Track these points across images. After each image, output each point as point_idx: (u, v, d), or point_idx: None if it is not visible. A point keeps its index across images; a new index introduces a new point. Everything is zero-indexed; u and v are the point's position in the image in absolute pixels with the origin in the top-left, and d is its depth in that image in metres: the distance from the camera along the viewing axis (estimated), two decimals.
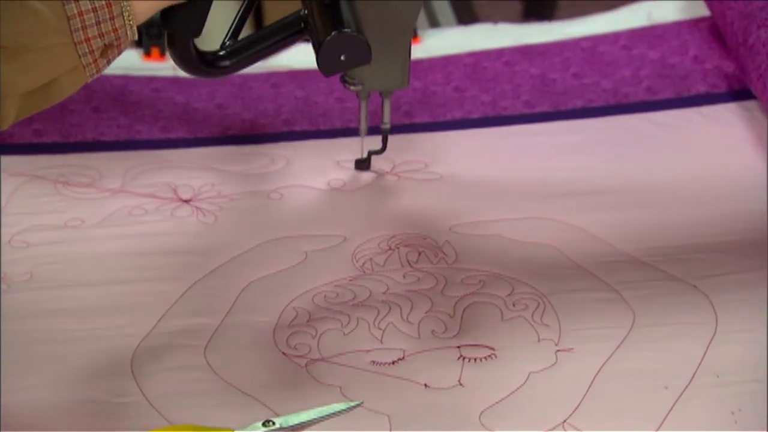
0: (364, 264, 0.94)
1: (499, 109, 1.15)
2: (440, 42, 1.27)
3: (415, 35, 1.27)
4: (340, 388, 0.81)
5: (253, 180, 1.06)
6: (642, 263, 0.92)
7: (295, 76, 1.21)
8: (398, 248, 0.95)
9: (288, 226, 0.99)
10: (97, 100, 1.17)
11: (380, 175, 1.06)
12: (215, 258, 0.95)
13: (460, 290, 0.90)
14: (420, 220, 0.99)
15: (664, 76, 1.17)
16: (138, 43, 1.29)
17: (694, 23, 1.24)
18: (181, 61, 0.87)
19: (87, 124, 1.14)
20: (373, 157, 1.06)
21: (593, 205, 0.99)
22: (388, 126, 1.02)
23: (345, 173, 1.06)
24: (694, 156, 1.05)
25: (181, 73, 1.20)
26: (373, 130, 1.04)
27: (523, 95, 1.17)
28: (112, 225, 1.00)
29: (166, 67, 1.22)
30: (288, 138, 1.13)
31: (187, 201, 1.03)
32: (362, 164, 1.06)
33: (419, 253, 0.95)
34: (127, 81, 1.21)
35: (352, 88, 0.98)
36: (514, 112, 1.15)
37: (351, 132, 1.11)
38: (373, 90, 0.99)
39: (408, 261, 0.94)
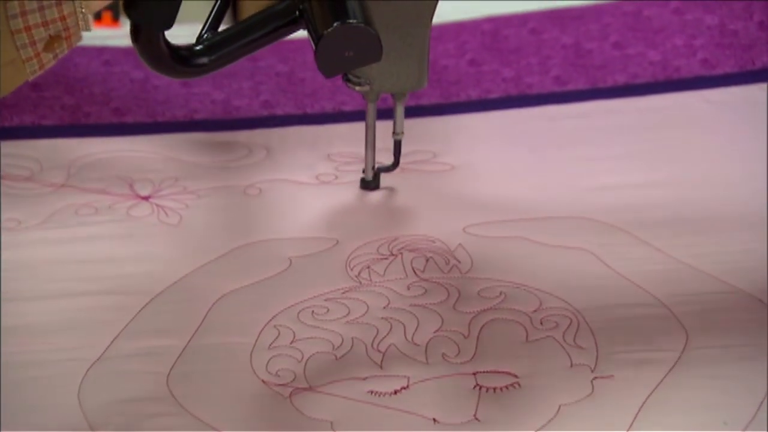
0: (360, 273, 0.94)
1: (523, 87, 1.16)
2: (452, 4, 1.27)
3: None
4: (332, 423, 0.81)
5: (226, 173, 1.07)
6: (697, 272, 0.92)
7: (276, 47, 1.21)
8: (401, 254, 0.96)
9: (268, 227, 1.00)
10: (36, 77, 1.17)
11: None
12: (180, 266, 0.95)
13: (476, 305, 0.90)
14: (428, 220, 1.00)
15: (723, 45, 1.18)
16: None
17: None
18: (150, 58, 0.86)
19: (24, 105, 1.14)
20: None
21: (637, 202, 1.00)
22: (401, 136, 1.01)
23: (337, 166, 1.07)
24: (759, 142, 1.06)
25: None
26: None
27: (553, 70, 1.17)
28: (55, 227, 1.00)
29: (120, 34, 1.23)
30: (268, 123, 1.14)
31: (145, 198, 1.04)
32: (370, 185, 1.04)
33: (427, 260, 0.95)
34: (72, 52, 1.20)
35: (357, 88, 0.97)
36: (542, 90, 1.15)
37: (344, 117, 1.11)
38: (384, 92, 0.98)
39: (413, 269, 0.94)
